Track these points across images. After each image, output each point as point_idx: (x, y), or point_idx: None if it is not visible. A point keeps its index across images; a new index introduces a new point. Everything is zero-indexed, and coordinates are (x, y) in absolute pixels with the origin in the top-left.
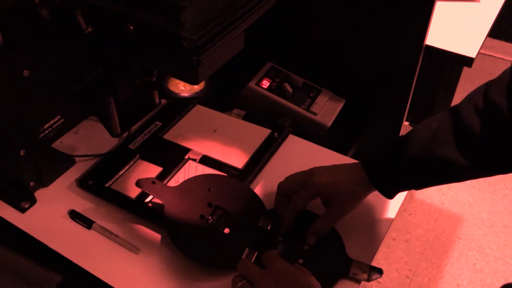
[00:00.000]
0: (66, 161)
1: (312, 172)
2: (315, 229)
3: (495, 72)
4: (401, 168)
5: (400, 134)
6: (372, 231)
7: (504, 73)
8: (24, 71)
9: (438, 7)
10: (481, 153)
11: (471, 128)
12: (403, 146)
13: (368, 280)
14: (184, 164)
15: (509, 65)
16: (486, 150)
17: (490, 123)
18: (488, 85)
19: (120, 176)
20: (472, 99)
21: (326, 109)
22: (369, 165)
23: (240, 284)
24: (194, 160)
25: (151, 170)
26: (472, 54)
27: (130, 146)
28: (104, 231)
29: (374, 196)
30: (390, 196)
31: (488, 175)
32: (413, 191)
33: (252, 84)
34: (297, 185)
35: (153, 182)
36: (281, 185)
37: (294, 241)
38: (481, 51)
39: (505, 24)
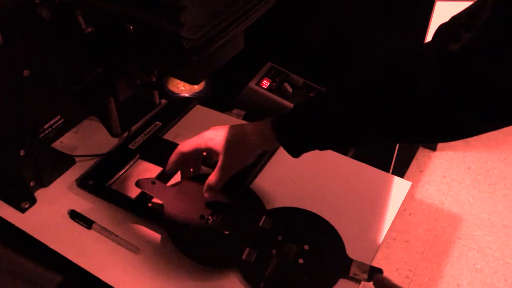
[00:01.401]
0: (66, 161)
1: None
2: (213, 185)
3: None
4: (304, 127)
5: None
6: (372, 231)
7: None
8: (24, 71)
9: (438, 7)
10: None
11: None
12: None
13: (368, 280)
14: None
15: None
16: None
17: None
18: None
19: (120, 176)
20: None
21: None
22: (275, 119)
23: None
24: None
25: (151, 170)
26: None
27: (130, 146)
28: (104, 231)
29: (374, 196)
30: (294, 153)
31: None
32: (413, 191)
33: (252, 84)
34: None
35: (153, 182)
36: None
37: (294, 241)
38: None
39: None
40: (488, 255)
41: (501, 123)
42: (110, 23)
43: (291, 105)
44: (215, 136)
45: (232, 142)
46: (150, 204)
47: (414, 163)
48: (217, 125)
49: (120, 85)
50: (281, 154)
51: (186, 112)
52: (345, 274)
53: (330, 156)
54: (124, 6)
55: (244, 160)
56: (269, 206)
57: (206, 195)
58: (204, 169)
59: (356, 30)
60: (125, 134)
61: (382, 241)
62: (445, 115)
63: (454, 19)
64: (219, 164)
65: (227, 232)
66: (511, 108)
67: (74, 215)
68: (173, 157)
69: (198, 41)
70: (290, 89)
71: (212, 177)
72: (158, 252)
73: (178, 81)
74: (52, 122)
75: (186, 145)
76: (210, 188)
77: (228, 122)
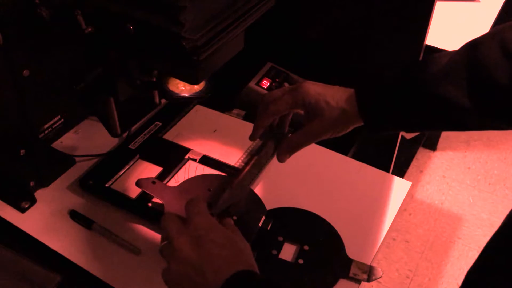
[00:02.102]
0: (66, 161)
1: (302, 82)
2: (289, 143)
3: None
4: (394, 102)
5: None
6: (372, 231)
7: None
8: (24, 71)
9: (438, 7)
10: (498, 101)
11: (491, 69)
12: (404, 78)
13: (368, 280)
14: (184, 164)
15: None
16: (507, 99)
17: None
18: None
19: (120, 176)
20: (498, 34)
21: None
22: (362, 91)
23: (162, 244)
24: (194, 160)
25: (151, 170)
26: None
27: (130, 146)
28: (104, 231)
29: (374, 196)
30: (375, 130)
31: (493, 128)
32: (413, 191)
33: (252, 84)
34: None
35: (153, 182)
36: (266, 95)
37: (294, 241)
38: None
39: None
40: None
41: None
42: (110, 23)
43: None
44: (316, 93)
45: (333, 115)
46: (150, 204)
47: (414, 163)
48: (217, 125)
49: (120, 85)
50: None
51: (186, 112)
52: (345, 274)
53: (330, 156)
54: (124, 6)
55: (335, 133)
56: (269, 206)
57: (283, 158)
58: (207, 170)
59: (356, 30)
60: (125, 134)
61: (382, 241)
62: None
63: None
64: (310, 126)
65: None
66: None
67: (74, 215)
68: (262, 119)
69: (198, 41)
70: None
71: (297, 139)
72: (158, 252)
73: (178, 81)
74: (52, 122)
75: (278, 103)
76: (290, 150)
77: (228, 122)
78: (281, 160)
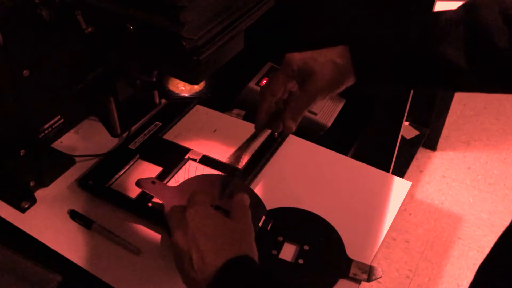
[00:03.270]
0: (66, 161)
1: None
2: (291, 110)
3: None
4: (390, 56)
5: (400, 134)
6: (372, 231)
7: None
8: (24, 71)
9: (438, 7)
10: (495, 64)
11: (491, 33)
12: (401, 33)
13: (368, 280)
14: (184, 164)
15: None
16: (504, 63)
17: None
18: None
19: (120, 176)
20: None
21: (326, 109)
22: (357, 43)
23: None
24: (194, 160)
25: (151, 170)
26: None
27: (130, 146)
28: (104, 231)
29: (374, 196)
30: (367, 82)
31: (486, 90)
32: (413, 191)
33: (252, 84)
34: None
35: (153, 182)
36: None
37: (294, 241)
38: None
39: None
40: None
41: None
42: (110, 23)
43: None
44: (302, 58)
45: (326, 69)
46: (150, 204)
47: (414, 163)
48: (217, 125)
49: (120, 85)
50: (281, 154)
51: (186, 112)
52: (345, 274)
53: (330, 156)
54: (124, 6)
55: (331, 89)
56: (269, 206)
57: (287, 127)
58: (207, 170)
59: (356, 31)
60: (125, 134)
61: (382, 241)
62: None
63: None
64: (305, 88)
65: None
66: None
67: (74, 215)
68: (262, 104)
69: (198, 41)
70: None
71: (297, 105)
72: (158, 252)
73: (178, 81)
74: (52, 122)
75: (271, 83)
76: (293, 116)
77: (228, 122)
78: (288, 129)
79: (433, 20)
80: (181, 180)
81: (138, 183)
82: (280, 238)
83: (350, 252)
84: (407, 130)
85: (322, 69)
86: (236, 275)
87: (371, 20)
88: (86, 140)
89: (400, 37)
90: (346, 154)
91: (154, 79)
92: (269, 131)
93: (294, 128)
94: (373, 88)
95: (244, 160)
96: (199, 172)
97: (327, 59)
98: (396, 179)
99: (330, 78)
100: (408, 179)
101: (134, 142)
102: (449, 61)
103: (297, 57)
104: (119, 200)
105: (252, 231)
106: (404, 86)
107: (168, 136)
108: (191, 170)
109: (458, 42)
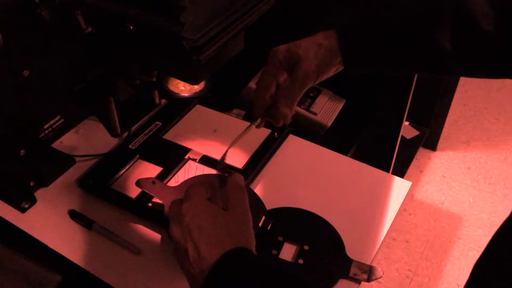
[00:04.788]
0: (66, 161)
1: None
2: (284, 98)
3: None
4: (376, 38)
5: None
6: (372, 231)
7: None
8: (24, 71)
9: None
10: (479, 48)
11: (477, 16)
12: (387, 16)
13: (368, 280)
14: (184, 164)
15: None
16: (488, 47)
17: (506, 20)
18: None
19: (120, 176)
20: None
21: (326, 109)
22: (342, 24)
23: None
24: (194, 160)
25: (151, 170)
26: None
27: (130, 146)
28: (104, 231)
29: (374, 196)
30: (353, 66)
31: (470, 75)
32: (413, 191)
33: (252, 84)
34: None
35: (153, 182)
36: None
37: (294, 241)
38: None
39: None
40: None
41: None
42: (110, 23)
43: None
44: (285, 46)
45: (310, 52)
46: (150, 204)
47: (414, 163)
48: (217, 125)
49: (120, 85)
50: (281, 154)
51: (186, 112)
52: (345, 274)
53: (330, 156)
54: (124, 6)
55: (319, 72)
56: (269, 206)
57: (283, 113)
58: (207, 170)
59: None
60: (125, 134)
61: (382, 241)
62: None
63: None
64: (293, 76)
65: None
66: None
67: (74, 215)
68: (257, 103)
69: (198, 41)
70: None
71: (285, 92)
72: (158, 252)
73: (178, 81)
74: (52, 122)
75: (263, 79)
76: (287, 103)
77: (228, 122)
78: (283, 115)
79: (419, 3)
80: (181, 180)
81: (138, 183)
82: (280, 238)
83: (350, 252)
84: (407, 130)
85: (307, 52)
86: (232, 269)
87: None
88: (86, 140)
89: (386, 20)
90: (346, 154)
91: (154, 79)
92: (267, 131)
93: (289, 114)
94: (359, 72)
95: (244, 160)
96: (199, 172)
97: (310, 43)
98: (396, 179)
99: (316, 59)
100: (408, 179)
101: (134, 142)
102: (434, 44)
103: (281, 48)
104: (119, 200)
105: (249, 218)
106: (389, 69)
107: (168, 136)
108: (191, 170)
109: (443, 25)
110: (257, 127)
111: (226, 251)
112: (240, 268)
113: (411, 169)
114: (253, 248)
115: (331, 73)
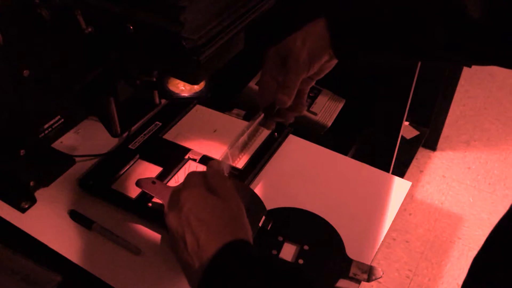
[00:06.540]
0: (66, 161)
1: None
2: (281, 87)
3: (495, 72)
4: (366, 29)
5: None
6: (372, 231)
7: None
8: (24, 71)
9: None
10: (468, 35)
11: (464, 3)
12: (377, 6)
13: (368, 280)
14: (184, 164)
15: None
16: (477, 35)
17: (494, 6)
18: None
19: (120, 176)
20: None
21: (326, 109)
22: (332, 10)
23: None
24: (194, 160)
25: (151, 170)
26: None
27: (130, 146)
28: (104, 231)
29: (374, 196)
30: (343, 55)
31: (460, 63)
32: (413, 191)
33: (252, 84)
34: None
35: (153, 182)
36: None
37: (294, 241)
38: None
39: None
40: None
41: None
42: (110, 23)
43: None
44: (277, 45)
45: (300, 33)
46: (150, 204)
47: (414, 163)
48: (217, 125)
49: (120, 85)
50: (281, 154)
51: (186, 112)
52: (345, 274)
53: (330, 156)
54: (124, 6)
55: (318, 56)
56: (269, 206)
57: (282, 101)
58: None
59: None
60: (125, 134)
61: (382, 241)
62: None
63: None
64: (287, 67)
65: None
66: None
67: (74, 215)
68: (259, 92)
69: (198, 41)
70: None
71: (283, 83)
72: (158, 252)
73: (178, 81)
74: (52, 122)
75: (262, 80)
76: (285, 93)
77: (228, 122)
78: (281, 101)
79: None
80: (181, 180)
81: (138, 183)
82: (280, 238)
83: (350, 252)
84: (407, 130)
85: (294, 41)
86: (232, 261)
87: None
88: (86, 140)
89: (374, 4)
90: (346, 154)
91: (154, 79)
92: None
93: (287, 101)
94: (348, 57)
95: (244, 160)
96: None
97: (298, 33)
98: (396, 179)
99: (305, 46)
100: (408, 179)
101: (134, 142)
102: (423, 30)
103: (272, 47)
104: (119, 200)
105: (241, 206)
106: (377, 55)
107: (168, 136)
108: (191, 170)
109: (432, 11)
110: (268, 128)
111: (226, 243)
112: (240, 260)
113: (411, 169)
114: (251, 239)
115: (324, 59)
